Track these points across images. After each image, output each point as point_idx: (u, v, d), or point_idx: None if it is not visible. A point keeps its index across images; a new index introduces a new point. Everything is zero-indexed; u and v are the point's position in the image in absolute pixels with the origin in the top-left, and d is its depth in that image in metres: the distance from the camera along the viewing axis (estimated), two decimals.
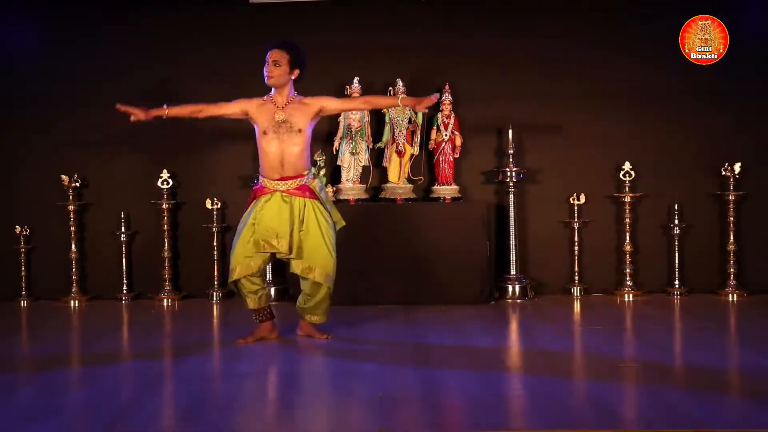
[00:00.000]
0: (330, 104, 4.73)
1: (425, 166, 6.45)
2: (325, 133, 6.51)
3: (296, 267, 4.58)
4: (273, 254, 4.60)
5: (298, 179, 4.59)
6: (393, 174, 6.31)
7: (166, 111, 4.76)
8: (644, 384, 3.72)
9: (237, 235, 4.63)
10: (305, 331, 4.84)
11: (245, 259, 4.54)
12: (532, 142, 6.52)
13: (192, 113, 4.86)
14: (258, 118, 4.64)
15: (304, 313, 4.78)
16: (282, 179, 4.58)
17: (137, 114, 4.76)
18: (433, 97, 4.63)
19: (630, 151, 6.46)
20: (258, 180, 4.71)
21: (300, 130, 4.58)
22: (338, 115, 6.32)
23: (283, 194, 4.57)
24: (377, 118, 6.41)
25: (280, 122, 4.57)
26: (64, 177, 6.46)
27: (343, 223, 4.80)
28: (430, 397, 3.57)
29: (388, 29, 6.59)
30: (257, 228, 4.54)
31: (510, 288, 6.27)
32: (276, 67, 4.56)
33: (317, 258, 4.53)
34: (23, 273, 6.51)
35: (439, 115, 6.28)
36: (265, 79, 4.61)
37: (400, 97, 4.64)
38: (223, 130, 6.60)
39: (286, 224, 4.52)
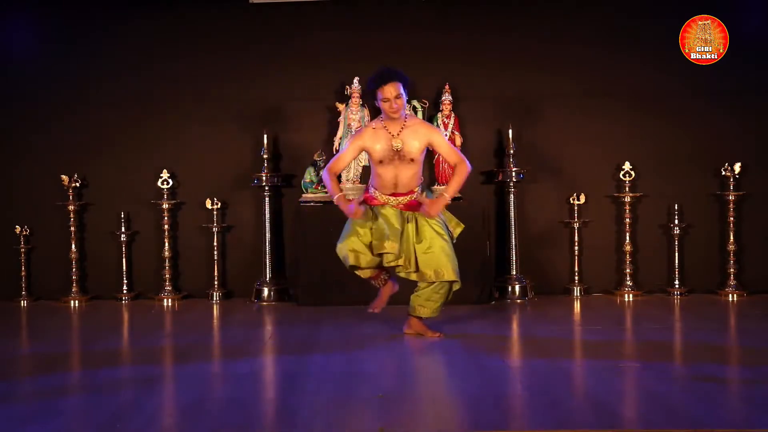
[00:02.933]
0: (439, 148, 4.66)
1: (425, 166, 6.44)
2: (325, 133, 6.51)
3: (425, 276, 4.53)
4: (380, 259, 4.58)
5: (409, 195, 4.61)
6: None
7: (340, 192, 4.63)
8: (644, 384, 3.72)
9: (348, 224, 4.60)
10: (414, 329, 4.78)
11: (354, 252, 4.52)
12: (532, 142, 6.52)
13: (339, 172, 4.86)
14: (372, 148, 4.57)
15: (413, 305, 4.71)
16: (394, 195, 4.61)
17: (357, 209, 4.57)
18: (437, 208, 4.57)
19: (630, 151, 6.46)
20: (369, 190, 4.70)
21: (412, 160, 4.57)
22: (339, 115, 6.34)
23: (394, 207, 4.61)
24: None
25: (395, 151, 4.54)
26: (64, 177, 6.46)
27: (462, 227, 4.74)
28: (430, 397, 3.57)
29: (388, 29, 6.59)
30: (372, 232, 4.53)
31: (510, 288, 6.28)
32: (399, 100, 4.49)
33: (443, 258, 4.49)
34: (23, 273, 6.52)
35: (439, 115, 6.28)
36: (391, 114, 4.51)
37: (448, 195, 4.60)
38: (223, 130, 6.62)
39: (398, 231, 4.51)
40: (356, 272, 4.69)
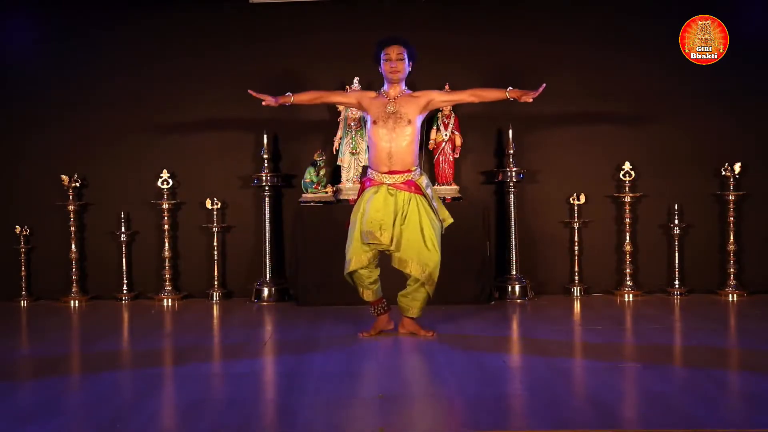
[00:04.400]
0: (438, 97, 4.80)
1: (425, 166, 6.44)
2: (325, 133, 6.51)
3: (394, 260, 4.61)
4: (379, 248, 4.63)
5: (405, 174, 4.63)
6: None
7: (291, 98, 4.83)
8: (644, 384, 3.72)
9: (351, 226, 4.65)
10: (407, 329, 4.82)
11: (359, 252, 4.57)
12: (532, 142, 6.52)
13: (312, 100, 4.97)
14: (370, 108, 4.69)
15: (404, 306, 4.76)
16: (390, 173, 4.63)
17: (268, 100, 4.81)
18: (541, 89, 4.71)
19: (630, 151, 6.46)
20: (367, 173, 4.75)
21: (409, 121, 4.63)
22: (339, 114, 6.34)
23: (389, 187, 4.61)
24: None
25: (390, 113, 4.63)
26: (64, 177, 6.46)
27: (452, 221, 4.79)
28: (430, 397, 3.57)
29: (388, 29, 6.55)
30: (364, 219, 4.57)
31: (510, 288, 6.28)
32: (401, 62, 4.64)
33: (413, 252, 4.55)
34: (23, 273, 6.52)
35: (439, 114, 6.28)
36: (390, 74, 4.65)
37: (509, 89, 4.73)
38: (223, 130, 6.61)
39: (390, 216, 4.56)
40: (361, 291, 4.72)
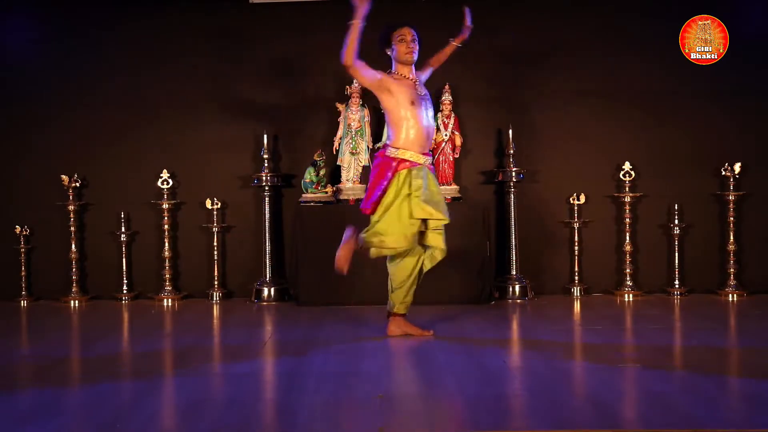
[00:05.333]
0: (425, 73, 4.89)
1: None
2: (325, 133, 6.51)
3: (429, 239, 4.61)
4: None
5: (431, 157, 4.73)
6: None
7: (357, 25, 4.60)
8: (644, 384, 3.72)
9: (383, 211, 4.53)
10: (402, 330, 4.81)
11: (402, 235, 4.50)
12: (532, 142, 6.52)
13: (354, 57, 4.62)
14: (400, 91, 4.59)
15: (396, 303, 4.75)
16: (425, 154, 4.65)
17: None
18: (467, 15, 4.99)
19: (630, 151, 6.46)
20: (390, 151, 4.58)
21: (431, 104, 4.71)
22: (339, 115, 6.34)
23: (426, 168, 4.64)
24: (377, 118, 6.41)
25: (421, 95, 4.65)
26: (64, 177, 6.46)
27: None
28: (430, 397, 3.57)
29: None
30: (424, 196, 4.50)
31: (510, 288, 6.28)
32: (416, 44, 4.67)
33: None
34: (23, 273, 6.52)
35: (439, 115, 6.28)
36: (406, 56, 4.63)
37: (450, 40, 4.99)
38: (222, 130, 6.62)
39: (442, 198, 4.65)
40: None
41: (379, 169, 4.57)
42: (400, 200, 4.51)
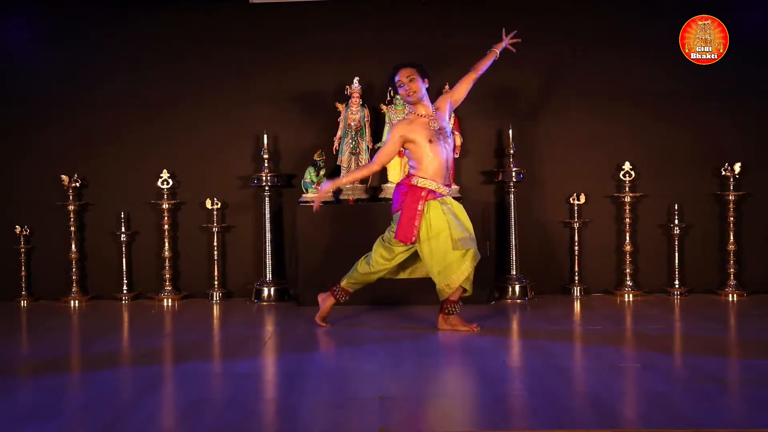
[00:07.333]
0: (455, 97, 5.04)
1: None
2: (325, 133, 6.51)
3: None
4: None
5: (451, 187, 4.92)
6: (393, 174, 6.30)
7: (344, 180, 5.20)
8: (644, 384, 3.72)
9: (434, 251, 4.75)
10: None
11: (460, 260, 4.77)
12: (532, 142, 6.52)
13: (365, 176, 5.44)
14: (416, 133, 4.76)
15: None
16: (447, 185, 4.83)
17: (324, 193, 5.07)
18: (512, 34, 5.22)
19: (630, 151, 6.46)
20: (417, 180, 4.78)
21: (451, 133, 4.89)
22: (339, 115, 6.33)
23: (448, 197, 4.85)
24: (377, 118, 6.41)
25: (437, 130, 4.79)
26: (64, 177, 6.46)
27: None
28: (430, 397, 3.57)
29: (388, 29, 6.59)
30: (457, 227, 4.73)
31: (510, 288, 6.28)
32: (413, 83, 4.78)
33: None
34: (23, 273, 6.52)
35: None
36: (407, 97, 4.81)
37: (493, 48, 5.23)
38: (222, 130, 6.62)
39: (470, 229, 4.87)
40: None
41: (407, 198, 4.76)
42: (436, 233, 4.72)
